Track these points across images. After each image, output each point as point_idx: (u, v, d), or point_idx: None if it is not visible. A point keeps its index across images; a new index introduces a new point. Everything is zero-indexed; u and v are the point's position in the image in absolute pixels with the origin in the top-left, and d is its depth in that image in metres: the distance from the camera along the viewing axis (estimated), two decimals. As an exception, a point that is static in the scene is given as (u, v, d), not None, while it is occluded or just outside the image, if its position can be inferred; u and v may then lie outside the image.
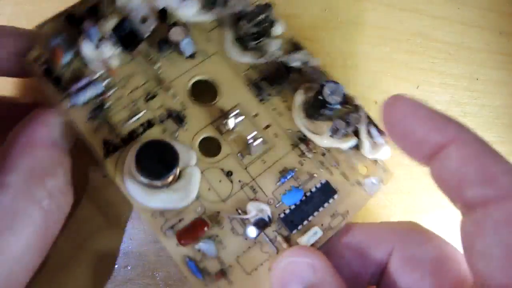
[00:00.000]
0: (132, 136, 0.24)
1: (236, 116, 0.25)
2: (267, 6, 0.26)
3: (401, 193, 0.29)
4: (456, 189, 0.19)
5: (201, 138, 0.25)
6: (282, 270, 0.23)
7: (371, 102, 0.29)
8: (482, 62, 0.31)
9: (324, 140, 0.25)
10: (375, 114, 0.27)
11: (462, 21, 0.31)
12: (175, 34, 0.24)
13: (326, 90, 0.24)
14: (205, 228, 0.23)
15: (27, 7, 0.28)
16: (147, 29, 0.25)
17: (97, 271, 0.27)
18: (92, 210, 0.27)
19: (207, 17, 0.27)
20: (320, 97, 0.24)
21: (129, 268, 0.27)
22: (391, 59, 0.30)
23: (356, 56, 0.29)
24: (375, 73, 0.29)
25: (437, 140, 0.20)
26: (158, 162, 0.22)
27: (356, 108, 0.25)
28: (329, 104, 0.24)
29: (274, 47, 0.27)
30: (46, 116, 0.23)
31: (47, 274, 0.21)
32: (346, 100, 0.25)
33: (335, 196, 0.25)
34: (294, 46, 0.27)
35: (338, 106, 0.24)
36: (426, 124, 0.20)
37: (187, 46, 0.25)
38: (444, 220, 0.29)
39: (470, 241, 0.19)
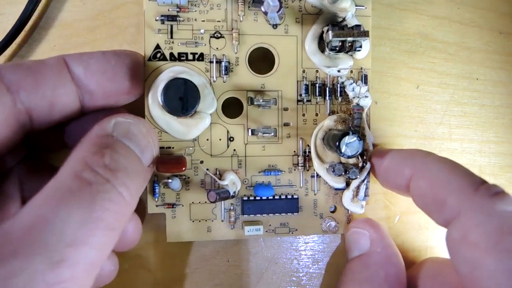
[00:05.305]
0: (180, 57, 0.26)
1: (270, 100, 0.27)
2: (365, 33, 0.26)
3: (401, 193, 0.31)
4: (429, 213, 0.23)
5: (230, 96, 0.27)
6: (348, 237, 0.28)
7: (372, 102, 0.29)
8: (481, 62, 0.31)
9: (320, 168, 0.27)
10: (375, 114, 0.30)
11: (462, 21, 0.31)
12: (267, 4, 0.24)
13: (346, 139, 0.25)
14: (183, 168, 0.26)
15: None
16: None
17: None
18: None
19: (313, 0, 0.27)
20: (337, 142, 0.25)
21: (127, 267, 0.28)
22: (391, 59, 0.30)
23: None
24: (375, 73, 0.30)
25: (401, 179, 0.24)
26: (180, 100, 0.24)
27: (364, 165, 0.27)
28: (340, 152, 0.25)
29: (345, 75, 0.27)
30: None
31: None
32: (362, 153, 0.27)
33: (295, 214, 0.28)
34: (362, 77, 0.28)
35: (345, 157, 0.26)
36: (396, 164, 0.25)
37: (272, 17, 0.25)
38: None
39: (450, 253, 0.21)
